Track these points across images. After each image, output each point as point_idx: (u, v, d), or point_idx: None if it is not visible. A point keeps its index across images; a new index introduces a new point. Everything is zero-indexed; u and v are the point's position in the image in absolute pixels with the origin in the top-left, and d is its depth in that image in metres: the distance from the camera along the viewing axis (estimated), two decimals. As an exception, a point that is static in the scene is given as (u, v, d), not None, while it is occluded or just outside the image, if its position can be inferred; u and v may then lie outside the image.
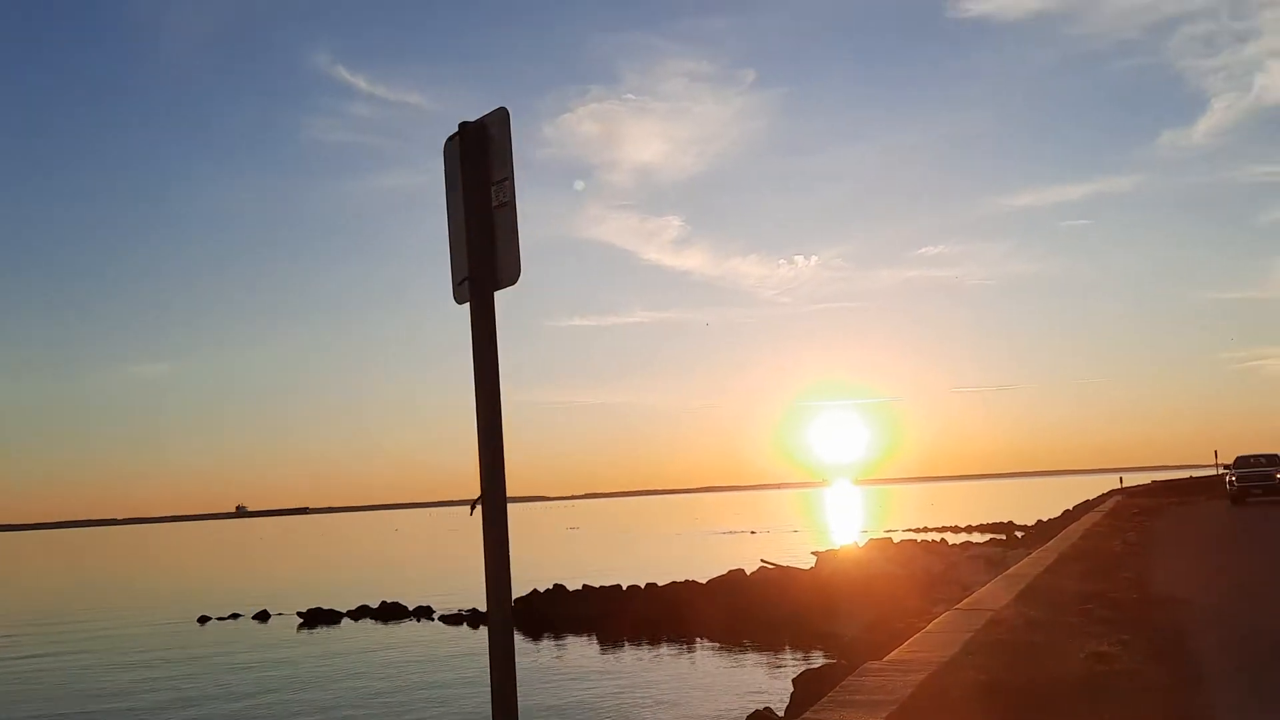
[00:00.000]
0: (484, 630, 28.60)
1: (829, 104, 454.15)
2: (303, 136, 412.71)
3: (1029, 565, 18.77)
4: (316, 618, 36.27)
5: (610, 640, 29.46)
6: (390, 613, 36.29)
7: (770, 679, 21.51)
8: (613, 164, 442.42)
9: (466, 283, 4.14)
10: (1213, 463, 71.14)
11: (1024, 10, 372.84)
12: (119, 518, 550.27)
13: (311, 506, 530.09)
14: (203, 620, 37.71)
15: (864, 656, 15.61)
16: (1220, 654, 9.45)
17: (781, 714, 14.16)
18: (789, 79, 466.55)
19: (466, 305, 4.11)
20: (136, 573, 76.68)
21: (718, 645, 27.64)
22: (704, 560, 46.94)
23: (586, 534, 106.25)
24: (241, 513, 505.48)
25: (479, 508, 4.32)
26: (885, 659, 9.65)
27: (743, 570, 32.74)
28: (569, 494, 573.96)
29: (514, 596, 25.15)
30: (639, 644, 28.67)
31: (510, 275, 4.09)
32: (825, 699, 8.03)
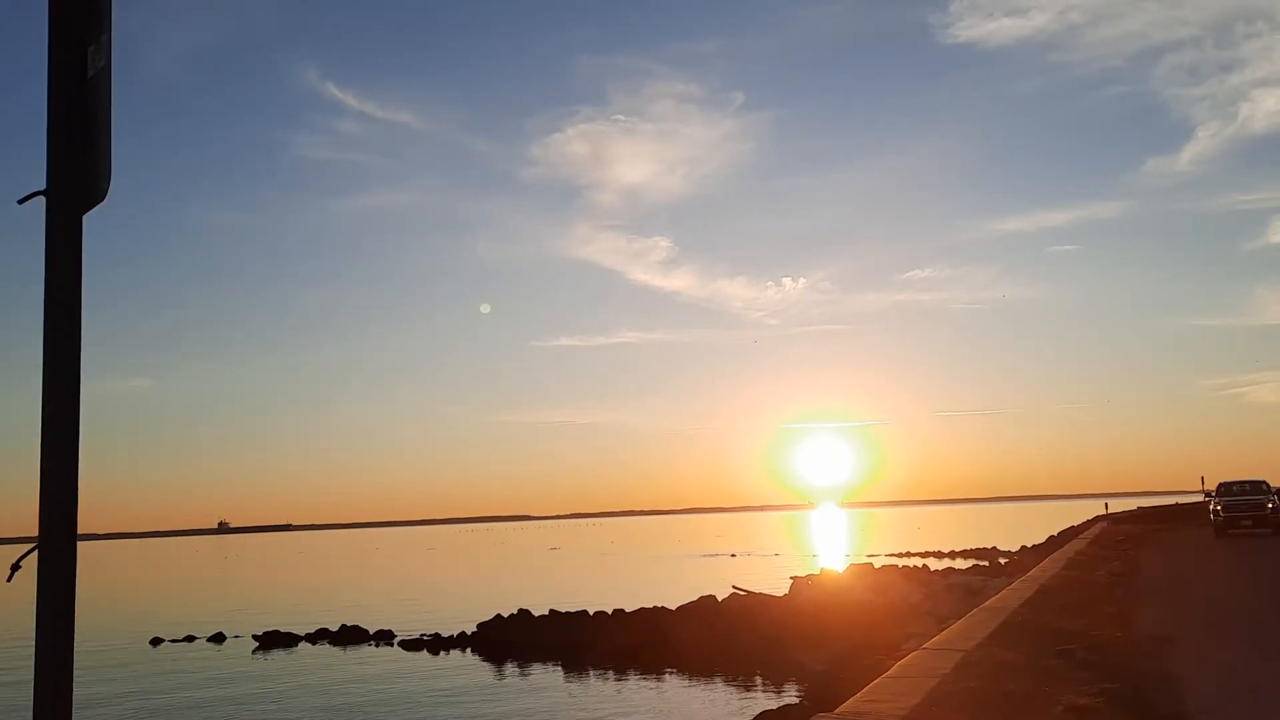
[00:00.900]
0: (445, 656, 27.34)
1: (817, 127, 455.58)
2: (290, 154, 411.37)
3: (1008, 597, 17.68)
4: (273, 641, 34.91)
5: (575, 669, 28.24)
6: (349, 636, 34.95)
7: (737, 712, 20.31)
8: (601, 184, 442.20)
9: (44, 199, 2.57)
10: (1198, 489, 70.34)
11: (1011, 37, 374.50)
12: (100, 533, 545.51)
13: (295, 524, 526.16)
14: (155, 642, 36.29)
15: (825, 697, 14.53)
16: (1216, 709, 8.35)
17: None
18: (777, 102, 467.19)
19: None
20: (98, 591, 74.87)
21: (686, 676, 26.43)
22: (679, 585, 45.73)
23: (567, 554, 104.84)
24: (224, 529, 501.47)
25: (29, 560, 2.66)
26: (837, 711, 8.53)
27: (714, 597, 31.54)
28: (554, 514, 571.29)
29: (477, 620, 23.88)
30: (605, 674, 27.45)
31: (103, 186, 2.60)
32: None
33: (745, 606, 29.65)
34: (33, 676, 2.48)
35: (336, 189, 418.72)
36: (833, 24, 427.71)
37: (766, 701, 21.57)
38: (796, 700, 15.19)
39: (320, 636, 35.29)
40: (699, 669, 26.72)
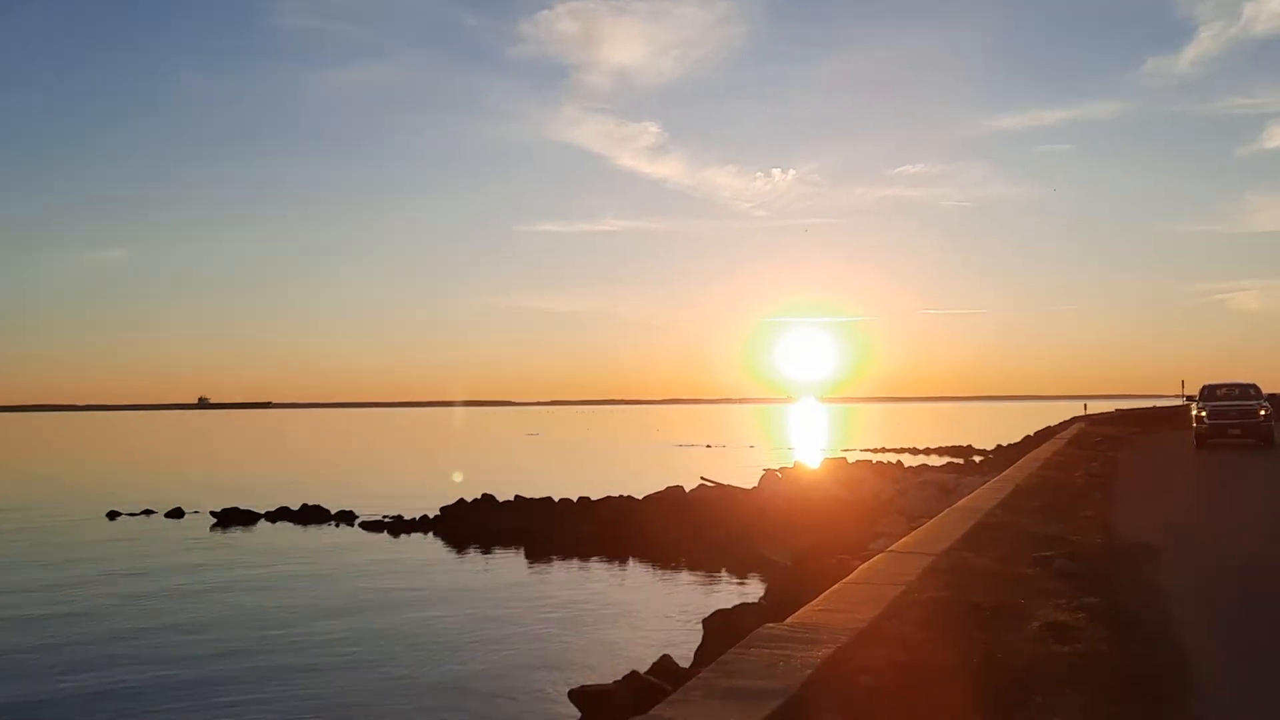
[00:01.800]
0: (403, 538, 26.46)
1: (813, 13, 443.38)
2: (269, 21, 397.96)
3: (983, 497, 16.86)
4: (231, 518, 34.22)
5: (538, 556, 27.63)
6: (310, 516, 34.27)
7: (697, 607, 19.59)
8: (590, 65, 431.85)
9: None
10: (1178, 392, 70.03)
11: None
12: (79, 404, 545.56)
13: (276, 401, 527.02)
14: (112, 515, 35.57)
15: (785, 599, 13.74)
16: (1207, 631, 7.43)
17: (686, 664, 12.21)
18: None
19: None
20: (62, 464, 74.34)
21: (650, 567, 25.85)
22: (649, 475, 45.14)
23: (543, 441, 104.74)
24: (204, 404, 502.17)
25: None
26: (788, 621, 7.59)
27: (682, 488, 30.87)
28: (535, 400, 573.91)
29: (439, 505, 22.92)
30: (568, 562, 26.86)
31: None
32: (694, 681, 5.97)
33: (712, 498, 28.99)
34: None
35: (318, 59, 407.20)
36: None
37: (728, 596, 20.93)
38: (756, 600, 14.43)
39: (280, 515, 34.60)
40: (663, 560, 26.14)
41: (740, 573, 24.23)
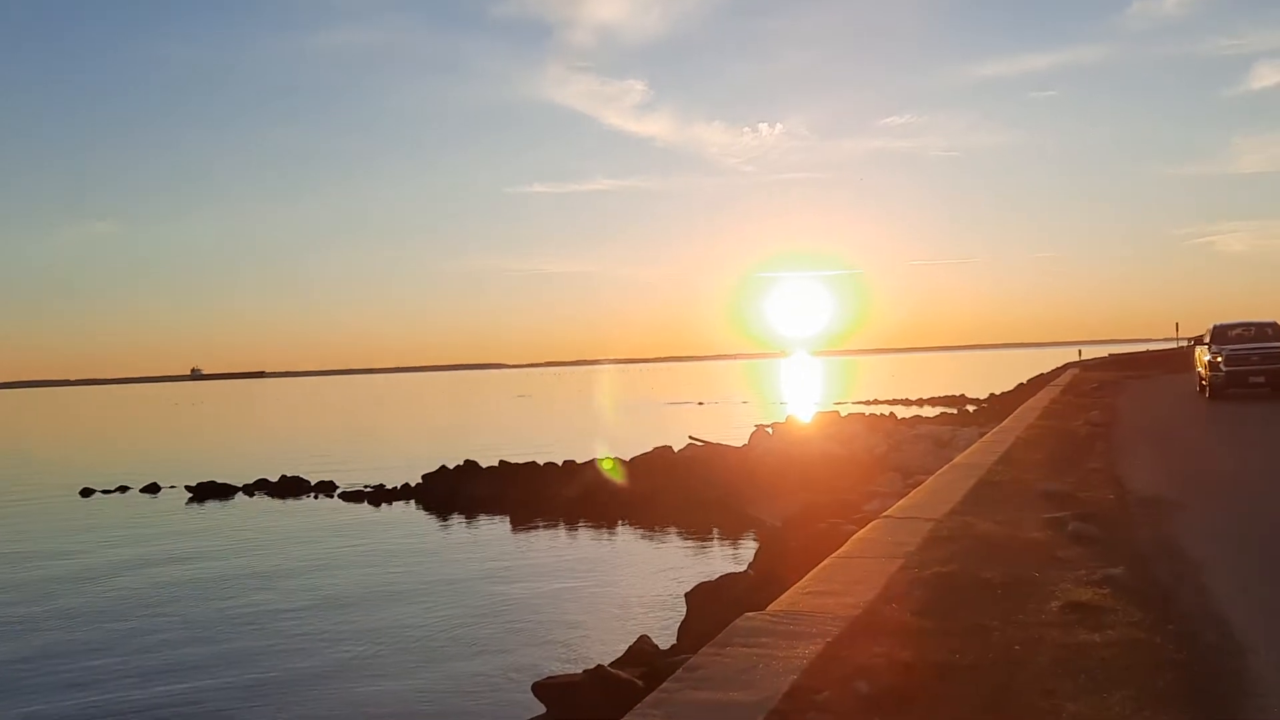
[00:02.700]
0: (384, 508, 25.44)
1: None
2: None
3: (982, 451, 15.92)
4: (208, 492, 33.25)
5: (522, 523, 26.75)
6: (289, 488, 33.31)
7: (683, 575, 18.68)
8: (574, 22, 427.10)
9: None
10: (1169, 336, 69.19)
11: None
12: (71, 379, 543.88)
13: (269, 370, 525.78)
14: (86, 493, 34.57)
15: (773, 565, 12.82)
16: (1256, 607, 6.46)
17: (669, 644, 11.32)
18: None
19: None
20: (40, 439, 73.31)
21: (637, 530, 25.01)
22: (638, 434, 44.23)
23: (534, 403, 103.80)
24: (196, 375, 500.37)
25: None
26: (771, 608, 6.61)
27: (670, 447, 29.93)
28: (528, 362, 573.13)
29: (422, 471, 21.86)
30: (553, 527, 25.99)
31: None
32: (656, 694, 5.02)
33: (701, 458, 28.07)
34: None
35: (301, 24, 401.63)
36: None
37: (716, 562, 20.10)
38: (744, 568, 13.50)
39: (259, 488, 33.64)
40: (652, 523, 25.27)
41: (731, 534, 23.37)
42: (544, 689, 8.46)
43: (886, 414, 45.96)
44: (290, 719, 11.53)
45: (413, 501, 30.32)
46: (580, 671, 9.09)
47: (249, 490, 33.51)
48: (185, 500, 32.56)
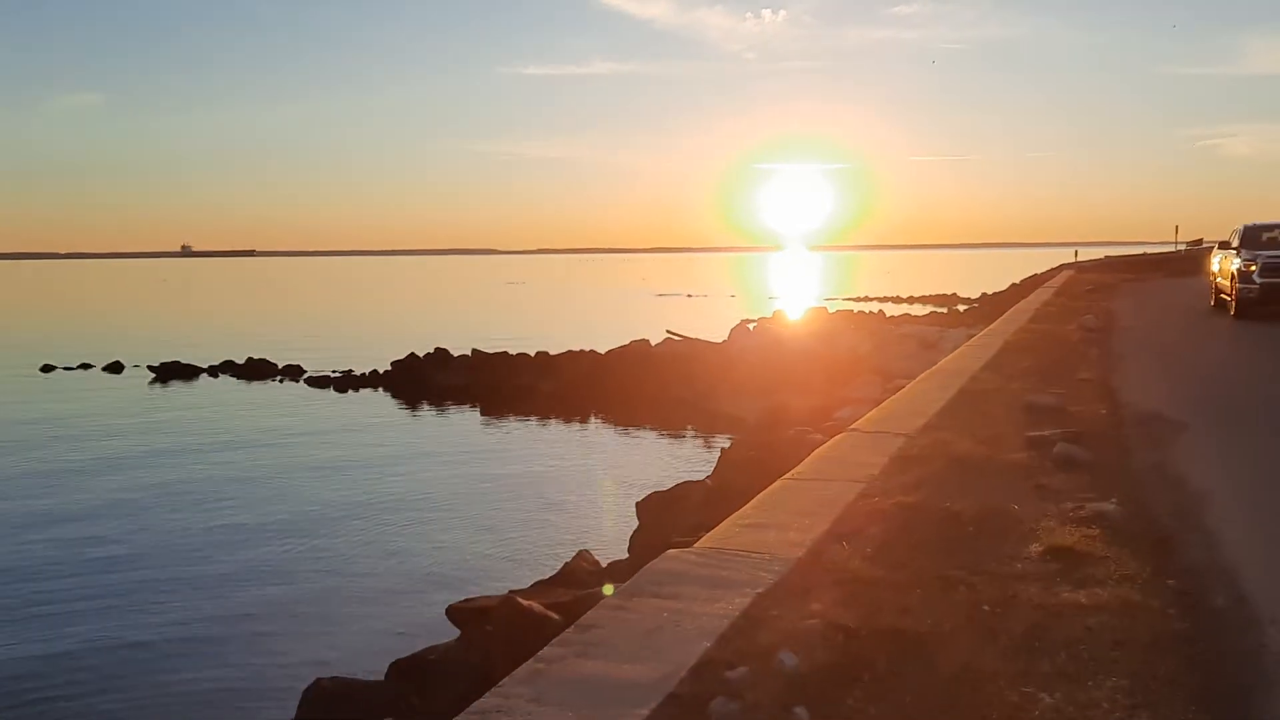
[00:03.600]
0: (350, 394, 24.37)
1: None
2: None
3: (967, 356, 14.89)
4: (171, 372, 32.24)
5: (492, 414, 25.86)
6: (255, 371, 32.30)
7: (648, 475, 17.77)
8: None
9: None
10: (1168, 240, 67.85)
11: None
12: (60, 252, 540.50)
13: (259, 249, 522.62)
14: (47, 369, 33.57)
15: (734, 474, 11.87)
16: (1273, 560, 5.46)
17: (616, 558, 10.46)
18: None
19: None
20: (14, 312, 72.03)
21: (611, 425, 24.13)
22: (619, 326, 43.04)
23: (523, 290, 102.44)
24: (187, 252, 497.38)
25: None
26: (699, 545, 5.60)
27: (648, 341, 28.87)
28: (522, 249, 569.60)
29: (390, 359, 20.83)
30: (524, 420, 25.11)
31: None
32: (528, 666, 4.00)
33: (679, 353, 27.05)
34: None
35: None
36: None
37: (684, 463, 19.25)
38: (705, 476, 12.54)
39: (224, 369, 32.64)
40: (626, 419, 24.39)
41: (706, 430, 22.52)
42: (458, 612, 7.53)
43: (876, 311, 44.92)
44: (161, 623, 10.67)
45: (381, 388, 29.37)
46: (498, 598, 8.17)
47: (214, 371, 32.52)
48: (147, 380, 31.56)
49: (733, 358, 25.76)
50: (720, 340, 28.40)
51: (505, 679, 3.86)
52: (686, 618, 4.39)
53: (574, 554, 9.47)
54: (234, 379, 31.67)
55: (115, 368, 33.71)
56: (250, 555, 13.19)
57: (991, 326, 20.62)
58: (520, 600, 6.68)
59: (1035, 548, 5.41)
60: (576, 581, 8.68)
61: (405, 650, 7.88)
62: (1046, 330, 18.87)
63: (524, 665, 3.96)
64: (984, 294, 56.12)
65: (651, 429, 23.28)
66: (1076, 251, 71.04)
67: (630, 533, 11.48)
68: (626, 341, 29.49)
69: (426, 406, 26.95)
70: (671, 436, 22.45)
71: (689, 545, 5.57)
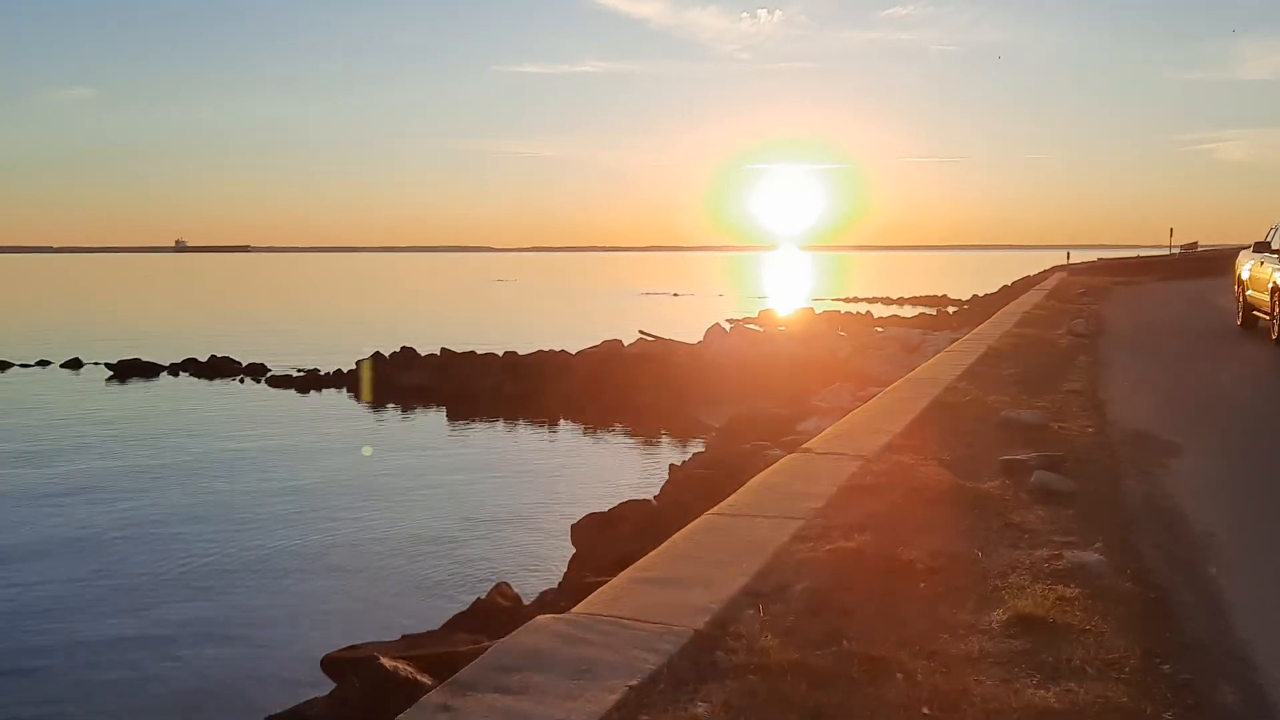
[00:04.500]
0: (312, 395, 23.12)
1: None
2: None
3: (946, 363, 13.82)
4: (130, 370, 31.05)
5: (456, 417, 24.76)
6: (217, 369, 31.13)
7: (601, 490, 16.63)
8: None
9: None
10: (1161, 244, 66.84)
11: None
12: (54, 246, 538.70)
13: (254, 245, 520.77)
14: (3, 366, 32.37)
15: (685, 492, 10.81)
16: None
17: (541, 591, 9.39)
18: None
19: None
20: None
21: (576, 430, 23.04)
22: (593, 326, 41.88)
23: (509, 289, 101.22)
24: (181, 247, 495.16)
25: None
26: (574, 612, 4.49)
27: (620, 341, 27.76)
28: (514, 246, 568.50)
29: (356, 358, 19.54)
30: (488, 423, 24.02)
31: None
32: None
33: (651, 354, 25.96)
34: None
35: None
36: None
37: (651, 473, 18.11)
38: (653, 494, 11.46)
39: (185, 368, 31.45)
40: (594, 422, 23.31)
41: (672, 437, 21.45)
42: (333, 663, 6.45)
43: (863, 312, 43.95)
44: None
45: (345, 389, 28.24)
46: (394, 640, 7.08)
47: (174, 370, 31.33)
48: (105, 378, 30.40)
49: (707, 360, 24.69)
50: (696, 341, 27.32)
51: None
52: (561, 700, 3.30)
53: (491, 587, 8.37)
54: (194, 378, 30.50)
55: (74, 364, 32.56)
56: (179, 566, 12.09)
57: (977, 330, 19.58)
58: (384, 662, 5.58)
59: (999, 614, 4.34)
60: (489, 618, 7.60)
61: (282, 704, 6.81)
62: (1034, 335, 17.84)
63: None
64: (974, 295, 55.10)
65: (616, 435, 22.23)
66: (1069, 254, 70.04)
67: (569, 556, 10.42)
68: (596, 342, 28.41)
69: (392, 409, 25.85)
70: (635, 444, 21.37)
71: (566, 611, 4.46)
